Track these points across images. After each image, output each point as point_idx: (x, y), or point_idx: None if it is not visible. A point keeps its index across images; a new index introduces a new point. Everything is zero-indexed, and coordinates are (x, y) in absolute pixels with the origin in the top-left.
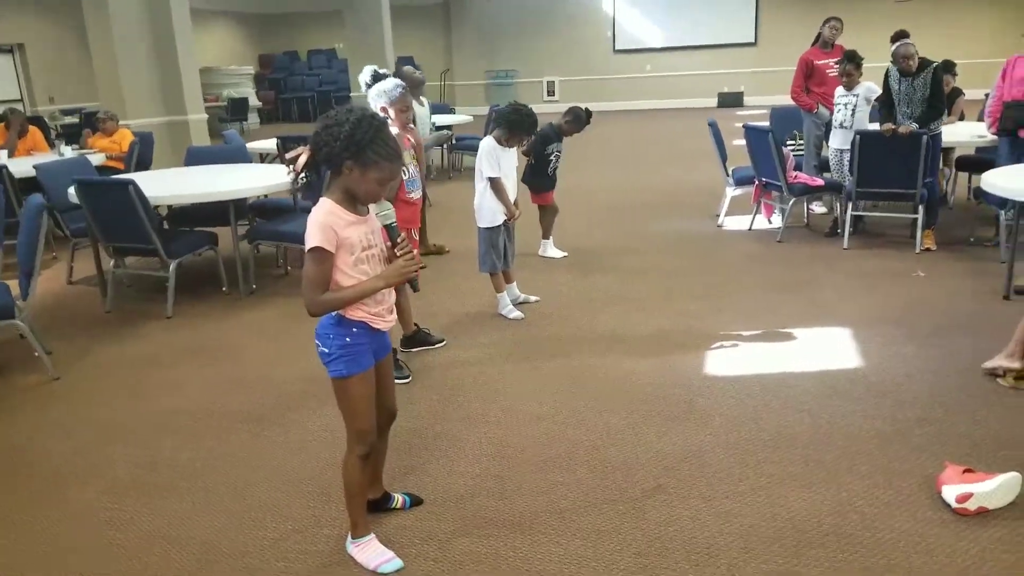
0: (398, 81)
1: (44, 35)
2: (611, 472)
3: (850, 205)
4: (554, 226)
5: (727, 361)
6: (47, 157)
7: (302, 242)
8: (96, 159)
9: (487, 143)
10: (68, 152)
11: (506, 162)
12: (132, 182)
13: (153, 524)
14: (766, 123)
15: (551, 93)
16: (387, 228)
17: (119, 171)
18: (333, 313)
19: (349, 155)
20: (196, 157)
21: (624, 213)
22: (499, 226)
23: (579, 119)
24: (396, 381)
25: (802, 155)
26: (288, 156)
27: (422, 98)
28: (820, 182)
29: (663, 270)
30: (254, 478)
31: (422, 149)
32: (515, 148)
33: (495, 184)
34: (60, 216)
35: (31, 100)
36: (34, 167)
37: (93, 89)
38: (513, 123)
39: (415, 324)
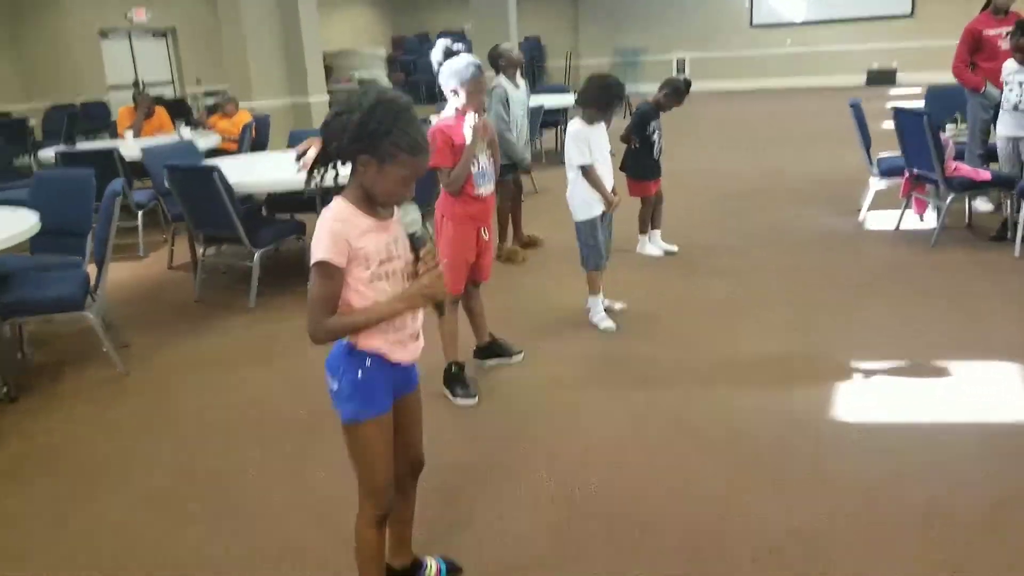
0: (472, 59)
1: (194, 19)
2: (703, 547)
3: None
4: (662, 216)
5: (862, 402)
6: (171, 138)
7: None
8: (211, 141)
9: (574, 127)
10: (187, 134)
11: (597, 145)
12: (216, 169)
13: (168, 549)
14: (920, 104)
15: (681, 71)
16: (411, 237)
17: (233, 152)
18: (343, 341)
19: (362, 148)
20: (299, 140)
21: (749, 203)
22: (596, 218)
23: (678, 91)
24: (460, 402)
25: (964, 143)
26: (297, 151)
27: (518, 79)
28: (987, 175)
29: (788, 275)
30: (285, 506)
31: (496, 138)
32: (604, 126)
33: (588, 172)
34: (162, 200)
35: (180, 82)
36: (141, 150)
37: None
38: (602, 97)
39: (490, 333)
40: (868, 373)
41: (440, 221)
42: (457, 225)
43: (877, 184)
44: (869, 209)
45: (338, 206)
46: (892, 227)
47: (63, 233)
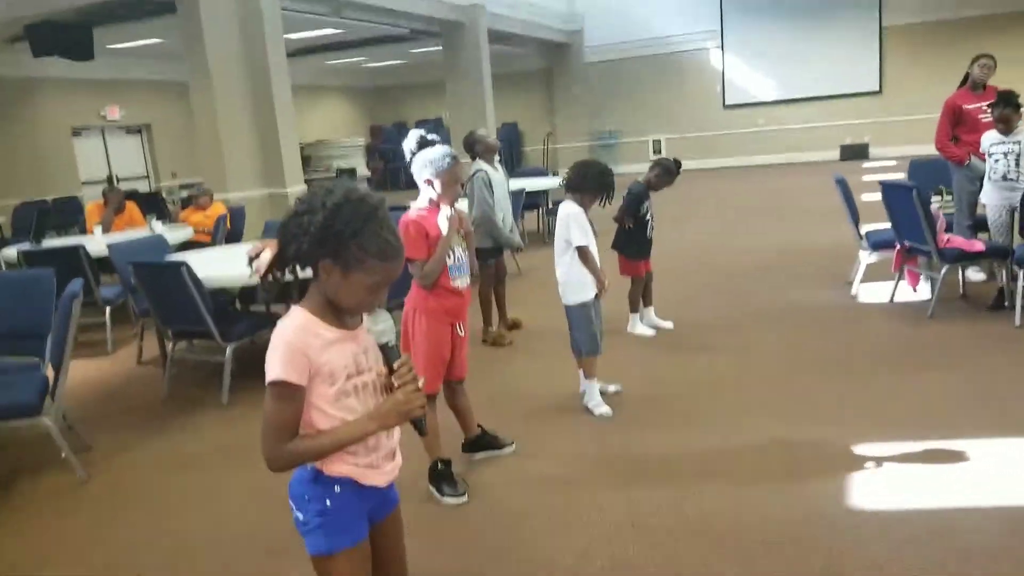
0: (447, 149)
1: (168, 115)
2: None
3: (1021, 274)
4: (651, 293)
5: (878, 488)
6: (142, 232)
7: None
8: (185, 234)
9: (570, 208)
10: (158, 228)
11: (589, 229)
12: (184, 263)
13: None
14: (899, 178)
15: (657, 151)
16: (383, 349)
17: (207, 244)
18: (308, 466)
19: (325, 253)
20: (275, 230)
21: (736, 278)
22: (591, 301)
23: (669, 171)
24: (449, 501)
25: (951, 214)
26: (248, 253)
27: (496, 163)
28: (980, 246)
29: (786, 353)
30: None
31: (471, 229)
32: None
33: (584, 253)
34: (131, 296)
35: (156, 176)
36: (108, 246)
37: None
38: (599, 184)
39: (479, 425)
40: (881, 457)
41: (411, 316)
42: (431, 320)
43: (868, 258)
44: (861, 282)
45: (297, 315)
46: (886, 300)
47: (22, 336)
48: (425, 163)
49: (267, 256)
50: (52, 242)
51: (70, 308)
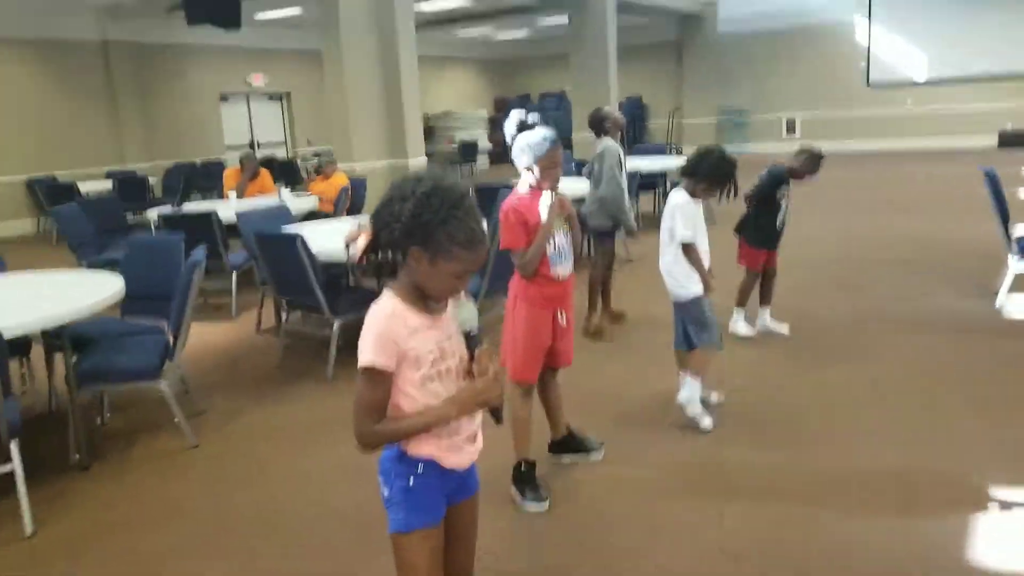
0: (547, 132)
1: (306, 83)
2: None
3: None
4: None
5: (1004, 541)
6: (272, 200)
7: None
8: (310, 203)
9: (679, 197)
10: (286, 196)
11: (699, 221)
12: (299, 236)
13: None
14: None
15: (791, 131)
16: (465, 336)
17: (330, 214)
18: (394, 445)
19: (414, 240)
20: None
21: (865, 276)
22: (702, 294)
23: (814, 159)
24: (530, 507)
25: None
26: (346, 238)
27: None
28: None
29: (914, 367)
30: None
31: (574, 214)
32: (702, 203)
33: (690, 250)
34: (255, 263)
35: (293, 142)
36: (236, 214)
37: None
38: (720, 172)
39: (567, 425)
40: (1011, 504)
41: (512, 303)
42: (531, 308)
43: (1018, 265)
44: (1009, 292)
45: (386, 302)
46: None
47: (152, 297)
48: (524, 148)
49: (362, 242)
50: (193, 206)
51: (191, 276)
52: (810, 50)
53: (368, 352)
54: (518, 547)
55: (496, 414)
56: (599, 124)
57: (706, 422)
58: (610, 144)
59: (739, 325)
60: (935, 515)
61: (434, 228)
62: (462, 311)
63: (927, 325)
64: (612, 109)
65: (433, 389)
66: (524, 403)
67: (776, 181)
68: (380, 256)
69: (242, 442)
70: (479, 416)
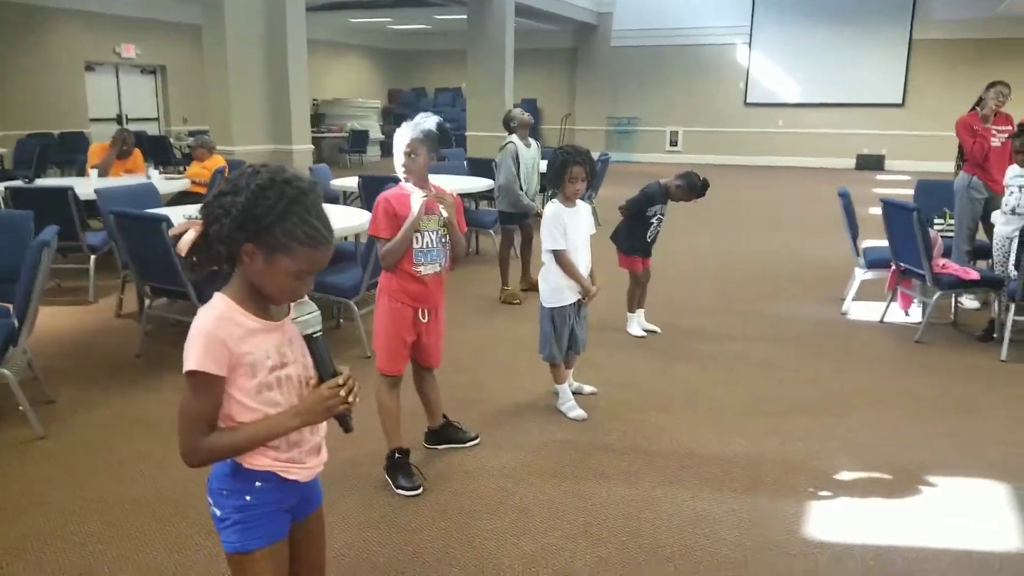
0: (422, 123)
1: (184, 58)
2: None
3: (1012, 307)
4: (646, 295)
5: (836, 517)
6: (139, 179)
7: (350, 295)
8: (181, 184)
9: (551, 209)
10: (155, 176)
11: (575, 228)
12: (165, 218)
13: None
14: (910, 194)
15: (674, 144)
16: (308, 340)
17: (203, 197)
18: (228, 460)
19: (247, 235)
20: None
21: (731, 284)
22: (567, 306)
23: (692, 186)
24: (404, 493)
25: (951, 238)
26: (172, 232)
27: (529, 139)
28: (975, 275)
29: (766, 365)
30: None
31: (460, 208)
32: (587, 207)
33: (559, 258)
34: (116, 244)
35: (167, 119)
36: (95, 191)
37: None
38: (553, 169)
39: (444, 415)
40: (845, 486)
41: (378, 294)
42: (391, 302)
43: (863, 274)
44: (854, 299)
45: (217, 303)
46: (876, 319)
47: None
48: (408, 127)
49: (190, 236)
50: (46, 181)
51: (39, 256)
52: (696, 69)
53: (193, 356)
54: (389, 535)
55: (344, 422)
56: (508, 124)
57: (576, 413)
58: (512, 141)
59: (632, 327)
60: (777, 497)
61: (270, 223)
62: (303, 312)
63: (780, 328)
64: (520, 111)
65: (270, 398)
66: (391, 394)
67: (649, 201)
68: (210, 252)
69: (93, 432)
70: (323, 428)
